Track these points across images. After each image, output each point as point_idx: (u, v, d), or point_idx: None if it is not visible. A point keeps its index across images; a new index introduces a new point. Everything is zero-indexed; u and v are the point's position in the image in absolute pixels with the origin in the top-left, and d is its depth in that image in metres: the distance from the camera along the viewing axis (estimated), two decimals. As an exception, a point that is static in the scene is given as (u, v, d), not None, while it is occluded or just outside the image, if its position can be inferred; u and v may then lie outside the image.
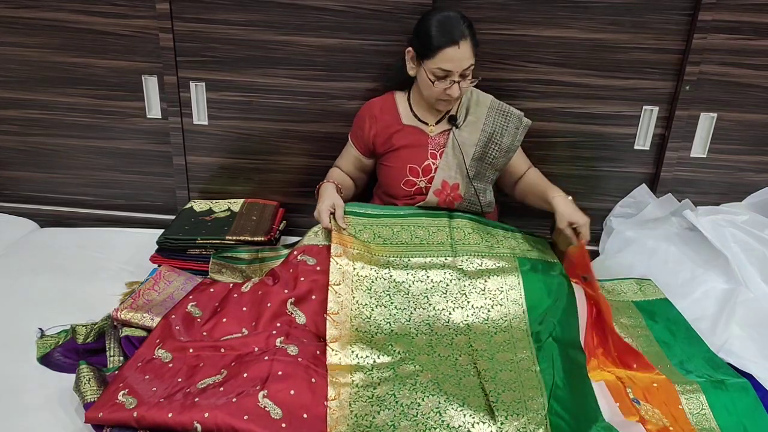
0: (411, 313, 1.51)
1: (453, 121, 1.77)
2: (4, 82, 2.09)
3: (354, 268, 1.56)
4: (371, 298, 1.52)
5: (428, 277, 1.57)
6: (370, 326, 1.48)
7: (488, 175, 1.81)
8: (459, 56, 1.62)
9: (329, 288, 1.51)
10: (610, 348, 1.55)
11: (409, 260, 1.60)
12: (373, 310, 1.51)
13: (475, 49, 1.66)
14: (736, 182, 2.06)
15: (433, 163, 1.78)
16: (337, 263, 1.56)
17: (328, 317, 1.46)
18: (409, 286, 1.55)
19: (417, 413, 1.27)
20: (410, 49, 1.71)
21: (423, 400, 1.29)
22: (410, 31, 1.82)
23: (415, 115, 1.81)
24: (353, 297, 1.52)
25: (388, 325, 1.49)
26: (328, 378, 1.34)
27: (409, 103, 1.82)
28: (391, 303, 1.52)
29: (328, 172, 1.90)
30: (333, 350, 1.41)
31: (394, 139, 1.80)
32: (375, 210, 1.75)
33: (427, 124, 1.80)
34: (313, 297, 1.54)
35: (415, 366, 1.39)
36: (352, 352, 1.42)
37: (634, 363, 1.50)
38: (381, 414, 1.27)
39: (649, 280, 1.83)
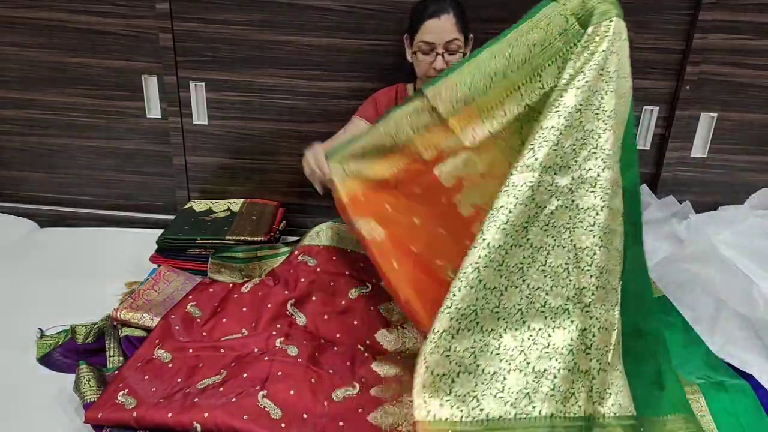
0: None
1: None
2: (4, 82, 2.09)
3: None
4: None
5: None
6: None
7: None
8: (439, 28, 1.64)
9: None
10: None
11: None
12: None
13: (461, 25, 1.66)
14: (736, 182, 2.06)
15: None
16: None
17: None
18: None
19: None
20: (406, 34, 1.74)
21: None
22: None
23: None
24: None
25: None
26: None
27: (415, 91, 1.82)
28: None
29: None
30: None
31: None
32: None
33: None
34: (314, 298, 1.54)
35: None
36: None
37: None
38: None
39: (647, 277, 1.82)
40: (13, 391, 1.37)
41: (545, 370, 1.20)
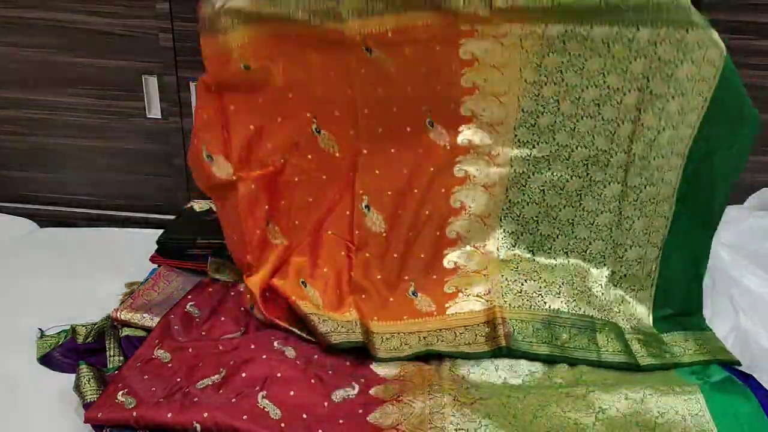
0: None
1: None
2: (4, 82, 2.09)
3: None
4: None
5: None
6: None
7: None
8: None
9: None
10: None
11: None
12: None
13: None
14: (736, 182, 2.05)
15: None
16: None
17: None
18: None
19: None
20: None
21: None
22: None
23: None
24: None
25: None
26: None
27: None
28: None
29: None
30: None
31: None
32: None
33: None
34: (313, 297, 1.54)
35: None
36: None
37: None
38: None
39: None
40: (13, 391, 1.37)
41: (582, 291, 1.59)
